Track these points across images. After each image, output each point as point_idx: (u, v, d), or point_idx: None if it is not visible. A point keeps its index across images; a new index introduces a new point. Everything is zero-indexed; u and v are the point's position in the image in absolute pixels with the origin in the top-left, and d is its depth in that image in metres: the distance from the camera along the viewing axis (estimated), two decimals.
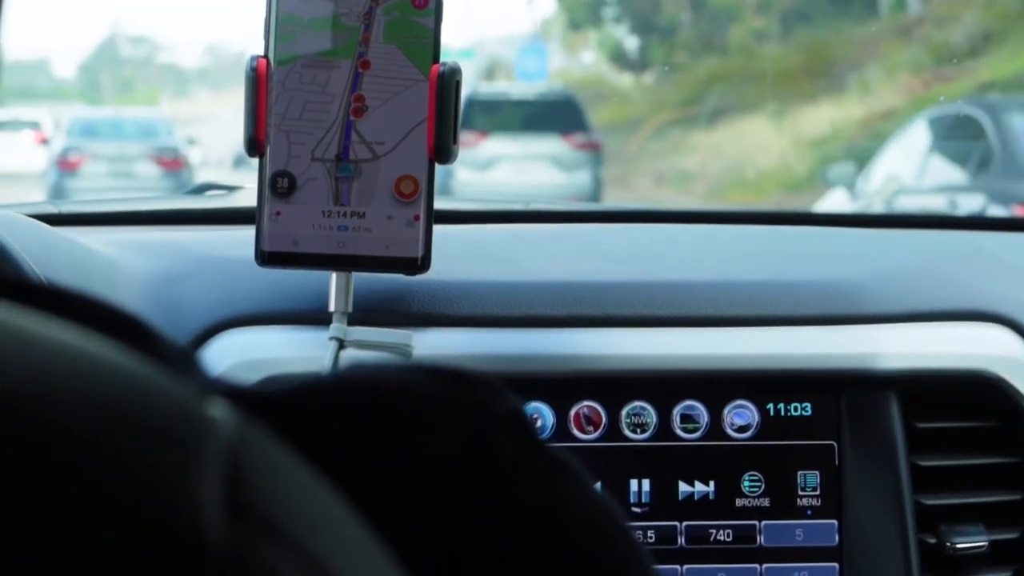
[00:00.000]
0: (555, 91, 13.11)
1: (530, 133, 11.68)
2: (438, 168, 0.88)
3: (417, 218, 0.88)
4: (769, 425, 1.02)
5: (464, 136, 11.14)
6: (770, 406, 1.02)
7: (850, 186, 6.60)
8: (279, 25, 0.88)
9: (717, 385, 1.02)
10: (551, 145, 11.57)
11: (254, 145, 0.88)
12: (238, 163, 20.33)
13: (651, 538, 1.01)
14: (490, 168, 11.20)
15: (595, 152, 11.89)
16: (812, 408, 1.02)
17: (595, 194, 11.53)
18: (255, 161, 0.89)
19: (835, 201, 6.66)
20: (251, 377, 0.95)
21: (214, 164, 22.53)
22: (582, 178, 11.45)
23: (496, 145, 11.42)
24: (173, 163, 13.29)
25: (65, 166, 12.90)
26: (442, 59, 0.87)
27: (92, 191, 11.66)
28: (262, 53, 0.88)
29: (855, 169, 6.98)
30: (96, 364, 0.32)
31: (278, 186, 0.88)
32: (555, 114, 11.93)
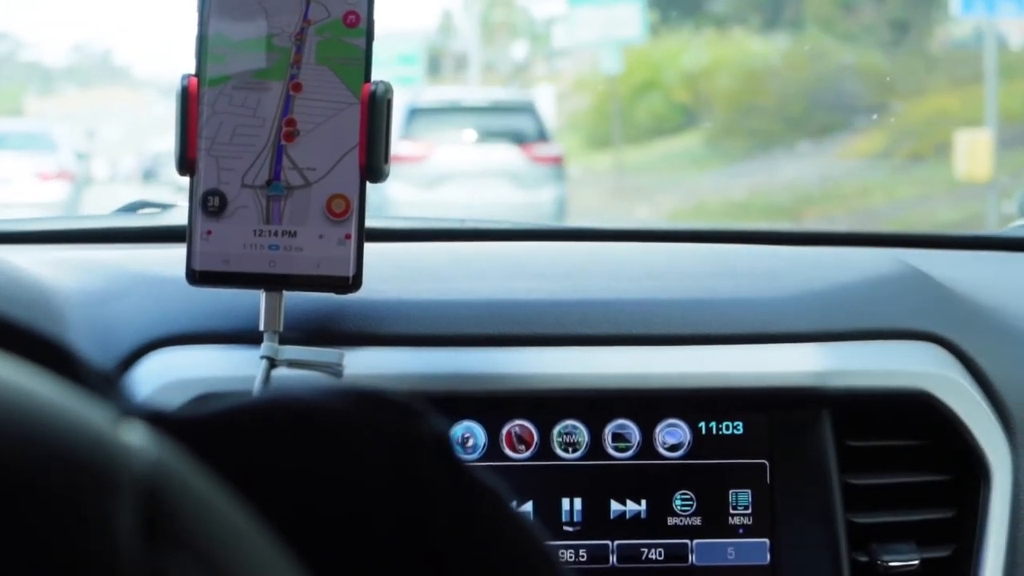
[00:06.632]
0: (512, 97, 12.90)
1: (484, 145, 11.55)
2: (374, 188, 1.01)
3: (348, 237, 0.99)
4: (701, 444, 1.16)
5: (408, 149, 11.05)
6: (702, 425, 1.16)
7: None
8: (210, 45, 0.98)
9: (648, 404, 1.16)
10: (508, 159, 11.43)
11: (185, 164, 0.98)
12: (148, 177, 20.34)
13: (583, 557, 1.15)
14: (438, 185, 11.06)
15: (558, 166, 11.76)
16: (744, 427, 1.16)
17: (558, 214, 11.41)
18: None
19: None
20: (183, 396, 1.06)
21: (123, 179, 22.61)
22: (543, 196, 11.33)
23: (445, 159, 11.27)
24: (60, 176, 13.43)
25: None
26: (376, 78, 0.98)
27: None
28: (193, 72, 0.98)
29: None
30: (6, 390, 0.34)
31: (209, 205, 0.98)
32: (512, 123, 11.78)
